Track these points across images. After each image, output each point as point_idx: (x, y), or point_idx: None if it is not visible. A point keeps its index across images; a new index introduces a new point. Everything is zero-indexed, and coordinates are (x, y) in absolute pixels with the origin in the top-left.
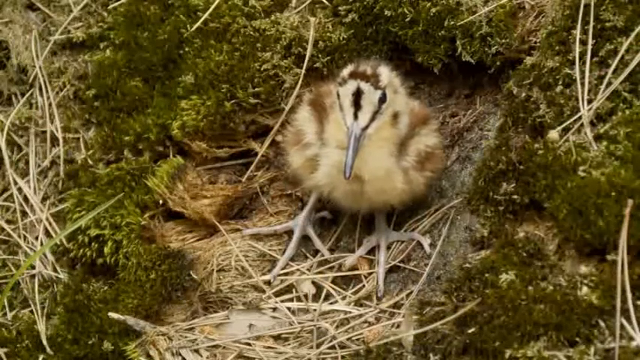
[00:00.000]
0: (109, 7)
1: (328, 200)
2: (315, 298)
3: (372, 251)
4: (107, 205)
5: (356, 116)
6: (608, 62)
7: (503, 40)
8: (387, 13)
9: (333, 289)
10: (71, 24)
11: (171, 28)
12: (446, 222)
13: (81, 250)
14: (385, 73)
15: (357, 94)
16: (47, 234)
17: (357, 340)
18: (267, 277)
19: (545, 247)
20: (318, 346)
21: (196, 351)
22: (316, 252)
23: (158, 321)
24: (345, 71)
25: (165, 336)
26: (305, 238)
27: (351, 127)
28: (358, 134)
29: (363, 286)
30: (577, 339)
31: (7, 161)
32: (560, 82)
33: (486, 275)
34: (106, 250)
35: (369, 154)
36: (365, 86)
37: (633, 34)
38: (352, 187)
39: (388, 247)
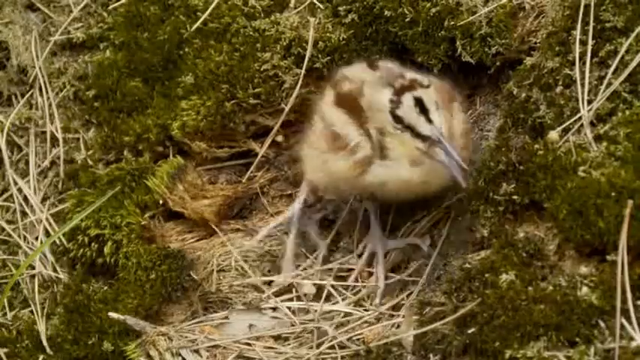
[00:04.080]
0: (109, 8)
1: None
2: (316, 298)
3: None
4: (104, 199)
5: (429, 120)
6: (608, 63)
7: (503, 41)
8: (386, 13)
9: (333, 289)
10: (71, 24)
11: (171, 29)
12: (446, 222)
13: (81, 250)
14: (411, 73)
15: (419, 102)
16: (47, 234)
17: (357, 340)
18: (269, 278)
19: (545, 247)
20: (318, 346)
21: (196, 351)
22: (316, 251)
23: (158, 321)
24: (387, 95)
25: (165, 336)
26: (306, 235)
27: (433, 132)
28: (444, 133)
29: (364, 286)
30: (577, 339)
31: (7, 161)
32: (560, 83)
33: (486, 275)
34: (106, 250)
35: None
36: (417, 92)
37: (633, 35)
38: (416, 191)
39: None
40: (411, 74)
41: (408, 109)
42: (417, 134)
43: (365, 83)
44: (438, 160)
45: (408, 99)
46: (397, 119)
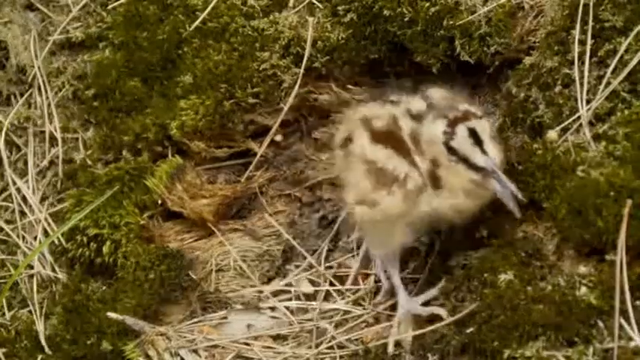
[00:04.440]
0: (108, 7)
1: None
2: (314, 297)
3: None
4: (103, 199)
5: (484, 151)
6: (607, 62)
7: (502, 40)
8: (385, 12)
9: (331, 288)
10: (70, 24)
11: (170, 28)
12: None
13: (79, 250)
14: (464, 104)
15: (473, 133)
16: (46, 234)
17: (356, 340)
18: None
19: (544, 247)
20: (317, 346)
21: (195, 351)
22: (314, 251)
23: (157, 321)
24: (441, 127)
25: (164, 336)
26: (305, 235)
27: (487, 164)
28: (498, 164)
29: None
30: (576, 339)
31: (5, 161)
32: (559, 82)
33: (485, 275)
34: (105, 249)
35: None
36: (471, 123)
37: (632, 34)
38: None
39: None
40: (463, 105)
41: (462, 140)
42: (471, 165)
43: (397, 117)
44: (493, 190)
45: (462, 130)
46: (451, 151)
